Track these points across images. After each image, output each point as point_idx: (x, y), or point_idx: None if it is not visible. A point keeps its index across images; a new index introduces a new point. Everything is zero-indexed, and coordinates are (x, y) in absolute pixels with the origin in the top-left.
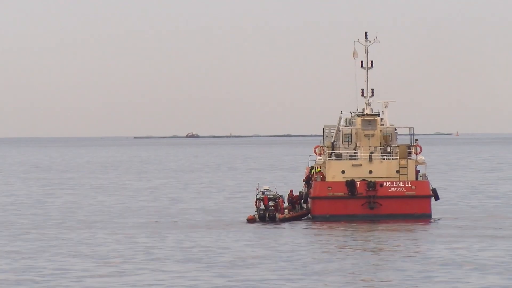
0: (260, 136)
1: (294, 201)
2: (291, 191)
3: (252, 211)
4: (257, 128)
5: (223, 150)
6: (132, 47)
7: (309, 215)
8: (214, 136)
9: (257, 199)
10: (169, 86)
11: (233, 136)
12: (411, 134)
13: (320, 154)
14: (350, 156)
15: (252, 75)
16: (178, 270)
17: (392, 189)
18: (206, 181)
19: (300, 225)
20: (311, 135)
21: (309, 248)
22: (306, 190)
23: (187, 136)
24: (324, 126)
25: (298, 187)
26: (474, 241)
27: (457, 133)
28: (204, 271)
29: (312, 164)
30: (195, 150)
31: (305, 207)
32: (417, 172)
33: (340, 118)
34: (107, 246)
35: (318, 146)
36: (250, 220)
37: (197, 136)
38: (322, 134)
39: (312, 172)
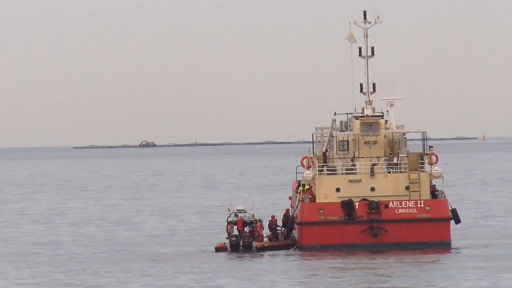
0: (234, 144)
1: (277, 227)
2: (273, 217)
3: (223, 238)
4: (230, 134)
5: (183, 162)
6: (73, 39)
7: (294, 247)
8: (175, 145)
9: (228, 222)
10: (119, 86)
11: (198, 145)
12: (424, 140)
13: (308, 167)
14: (347, 169)
15: (223, 69)
16: None
17: (400, 210)
18: (159, 201)
19: (283, 256)
20: (298, 142)
21: (293, 286)
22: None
23: (140, 145)
24: (315, 129)
25: (283, 207)
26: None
27: (484, 137)
28: None
29: (301, 177)
30: (145, 162)
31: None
32: (433, 188)
33: (334, 121)
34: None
35: (306, 157)
36: (220, 249)
37: (153, 145)
38: (312, 140)
39: (298, 190)
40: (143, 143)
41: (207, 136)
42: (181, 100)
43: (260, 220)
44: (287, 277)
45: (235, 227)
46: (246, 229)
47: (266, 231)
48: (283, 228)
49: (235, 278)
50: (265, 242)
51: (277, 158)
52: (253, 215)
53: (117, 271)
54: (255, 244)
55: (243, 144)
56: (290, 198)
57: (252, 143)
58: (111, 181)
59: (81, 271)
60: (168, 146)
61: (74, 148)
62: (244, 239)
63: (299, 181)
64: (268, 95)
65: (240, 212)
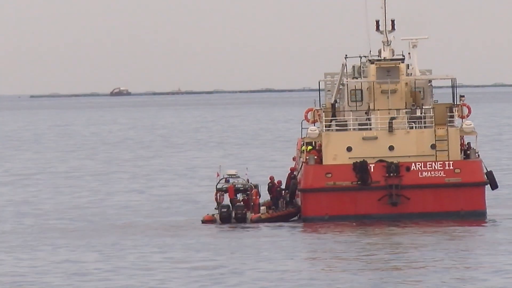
0: (225, 91)
1: (278, 192)
2: (272, 178)
3: (211, 208)
4: (220, 81)
5: (163, 113)
6: None
7: (297, 216)
8: (154, 93)
9: (218, 190)
10: (86, 26)
11: (182, 93)
12: (453, 87)
13: (314, 122)
14: (360, 124)
15: (211, 7)
16: None
17: (424, 174)
18: (137, 163)
19: (284, 230)
20: (303, 90)
21: (297, 266)
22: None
23: (112, 94)
24: (324, 75)
25: (285, 170)
26: None
27: None
28: None
29: (307, 135)
30: (116, 114)
31: (294, 204)
32: (465, 146)
33: (344, 65)
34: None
35: (311, 110)
36: (207, 221)
37: (127, 93)
38: (318, 88)
39: (302, 150)
40: (115, 90)
41: (193, 83)
42: (161, 41)
43: (256, 186)
44: (286, 257)
45: (226, 195)
46: (239, 196)
47: (263, 197)
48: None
49: (220, 259)
50: (262, 213)
51: (277, 109)
52: (248, 180)
53: (81, 249)
54: (250, 215)
55: (235, 92)
56: (294, 158)
57: (246, 91)
58: (70, 138)
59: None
60: (145, 94)
61: (31, 97)
62: (237, 210)
63: (305, 141)
64: (266, 35)
65: (231, 178)
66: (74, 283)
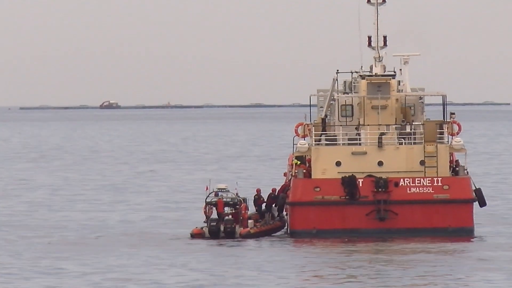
0: (215, 106)
1: (267, 205)
2: (258, 190)
3: (200, 222)
4: (210, 96)
5: (150, 127)
6: None
7: (285, 227)
8: (143, 107)
9: (207, 203)
10: (78, 39)
11: (172, 107)
12: (444, 105)
13: (304, 136)
14: (350, 139)
15: (202, 21)
16: None
17: (413, 190)
18: (123, 176)
19: (272, 245)
20: (293, 105)
21: (286, 284)
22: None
23: (101, 107)
24: (317, 91)
25: (276, 184)
26: None
27: None
28: None
29: (296, 149)
30: (107, 126)
31: (281, 217)
32: (454, 163)
33: (335, 80)
34: None
35: (301, 124)
36: (196, 235)
37: (117, 106)
38: (309, 103)
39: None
40: (104, 103)
41: (182, 97)
42: (152, 55)
43: (245, 200)
44: (272, 271)
45: (215, 209)
46: (228, 210)
47: (251, 210)
48: (267, 211)
49: (207, 273)
50: (251, 228)
51: (267, 124)
52: (237, 194)
53: (61, 263)
54: (239, 230)
55: (225, 106)
56: (285, 174)
57: (236, 106)
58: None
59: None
60: (135, 108)
61: (20, 109)
62: (226, 224)
63: (297, 156)
64: (257, 50)
65: (221, 191)
66: None
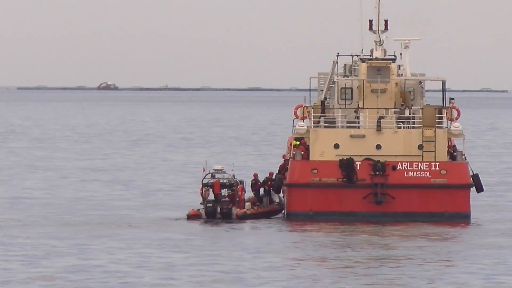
0: (213, 89)
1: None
2: (256, 175)
3: (197, 203)
4: (208, 78)
5: (149, 109)
6: None
7: (282, 211)
8: (141, 89)
9: (203, 185)
10: (76, 19)
11: (169, 89)
12: (443, 90)
13: (303, 118)
14: (348, 122)
15: (200, 2)
16: None
17: (410, 174)
18: (123, 157)
19: (268, 227)
20: (290, 89)
21: (281, 264)
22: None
23: (99, 88)
24: (318, 74)
25: (273, 168)
26: None
27: None
28: None
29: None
30: (104, 108)
31: (278, 200)
32: (452, 148)
33: (335, 63)
34: None
35: (300, 106)
36: (193, 217)
37: (114, 88)
38: (309, 86)
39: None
40: (102, 85)
41: (180, 79)
42: (151, 37)
43: (241, 182)
44: (267, 253)
45: (212, 190)
46: (224, 192)
47: (248, 194)
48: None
49: (204, 255)
50: (247, 209)
51: (266, 108)
52: (233, 176)
53: (52, 243)
54: (235, 211)
55: (223, 89)
56: (284, 156)
57: (234, 89)
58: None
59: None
60: (132, 89)
61: (18, 88)
62: (222, 205)
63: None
64: (255, 33)
65: (217, 173)
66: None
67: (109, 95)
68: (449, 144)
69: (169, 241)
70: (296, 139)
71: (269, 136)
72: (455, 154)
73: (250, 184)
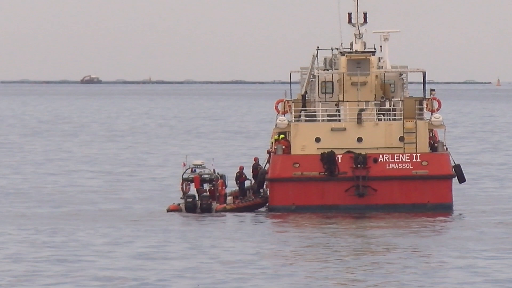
0: (196, 82)
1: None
2: (242, 168)
3: (177, 198)
4: (191, 71)
5: (132, 102)
6: None
7: (266, 205)
8: (124, 82)
9: (184, 179)
10: (58, 12)
11: (153, 82)
12: (424, 82)
13: (284, 113)
14: (329, 115)
15: None
16: None
17: (392, 166)
18: (103, 151)
19: (249, 221)
20: (273, 82)
21: (260, 258)
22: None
23: (82, 81)
24: (300, 69)
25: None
26: None
27: (499, 81)
28: None
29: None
30: (88, 102)
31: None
32: (434, 139)
33: (314, 56)
34: None
35: (281, 100)
36: (173, 211)
37: (98, 81)
38: (289, 80)
39: (274, 140)
40: (85, 78)
41: (163, 73)
42: (133, 30)
43: (222, 177)
44: (247, 246)
45: (192, 185)
46: (206, 186)
47: (230, 187)
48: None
49: (183, 247)
50: (227, 204)
51: (249, 101)
52: (214, 171)
53: (29, 238)
54: (215, 206)
55: (206, 82)
56: (268, 151)
57: (217, 82)
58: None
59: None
60: (115, 82)
61: (1, 82)
62: (202, 200)
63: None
64: (238, 26)
65: (198, 168)
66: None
67: (93, 89)
68: (431, 135)
69: (147, 234)
70: (281, 134)
71: (258, 129)
72: (436, 145)
73: (235, 177)
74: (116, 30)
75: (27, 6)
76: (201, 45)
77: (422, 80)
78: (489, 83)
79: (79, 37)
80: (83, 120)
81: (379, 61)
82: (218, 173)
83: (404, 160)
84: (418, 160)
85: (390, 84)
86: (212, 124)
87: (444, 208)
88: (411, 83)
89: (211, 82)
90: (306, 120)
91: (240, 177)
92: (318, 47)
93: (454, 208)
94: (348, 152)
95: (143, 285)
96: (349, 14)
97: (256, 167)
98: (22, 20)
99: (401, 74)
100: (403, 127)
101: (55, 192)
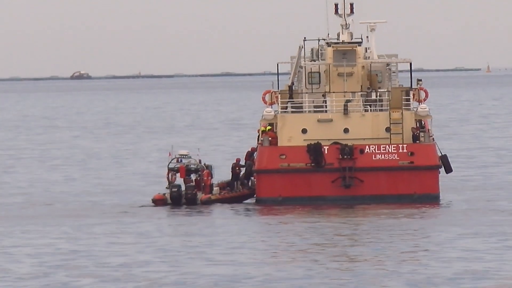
0: (186, 75)
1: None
2: (238, 160)
3: (163, 188)
4: (181, 65)
5: (121, 97)
6: None
7: (254, 197)
8: (114, 77)
9: (169, 169)
10: (47, 8)
11: (143, 77)
12: (410, 72)
13: (271, 104)
14: (316, 106)
15: None
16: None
17: (378, 157)
18: (91, 144)
19: (233, 212)
20: (263, 73)
21: (248, 250)
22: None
23: (72, 77)
24: (291, 58)
25: (237, 155)
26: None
27: (489, 68)
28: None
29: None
30: (78, 98)
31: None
32: (420, 130)
33: (301, 47)
34: None
35: (269, 92)
36: (158, 201)
37: (87, 77)
38: (277, 71)
39: (262, 131)
40: (75, 74)
41: (153, 67)
42: (122, 25)
43: (208, 167)
44: (231, 238)
45: (178, 175)
46: (193, 176)
47: (218, 178)
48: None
49: (167, 238)
50: (212, 194)
51: (239, 93)
52: (200, 161)
53: (18, 231)
54: (200, 196)
55: (196, 76)
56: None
57: (207, 75)
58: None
59: None
60: (105, 78)
61: None
62: (187, 190)
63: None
64: (227, 19)
65: (183, 158)
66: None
67: (83, 84)
68: (417, 125)
69: (134, 226)
70: (270, 125)
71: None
72: (422, 136)
73: (231, 168)
74: (105, 26)
75: (15, 4)
76: (189, 39)
77: (414, 69)
78: (479, 69)
79: (68, 33)
80: (72, 117)
81: (366, 52)
82: (205, 164)
83: (390, 151)
84: (405, 150)
85: (376, 75)
86: (200, 117)
87: (431, 199)
88: (401, 71)
89: (201, 75)
90: (292, 111)
91: (235, 169)
92: (305, 37)
93: (441, 198)
94: (335, 143)
95: (130, 275)
96: (336, 5)
97: (235, 168)
98: (10, 18)
99: (388, 64)
100: (390, 118)
101: (37, 188)
